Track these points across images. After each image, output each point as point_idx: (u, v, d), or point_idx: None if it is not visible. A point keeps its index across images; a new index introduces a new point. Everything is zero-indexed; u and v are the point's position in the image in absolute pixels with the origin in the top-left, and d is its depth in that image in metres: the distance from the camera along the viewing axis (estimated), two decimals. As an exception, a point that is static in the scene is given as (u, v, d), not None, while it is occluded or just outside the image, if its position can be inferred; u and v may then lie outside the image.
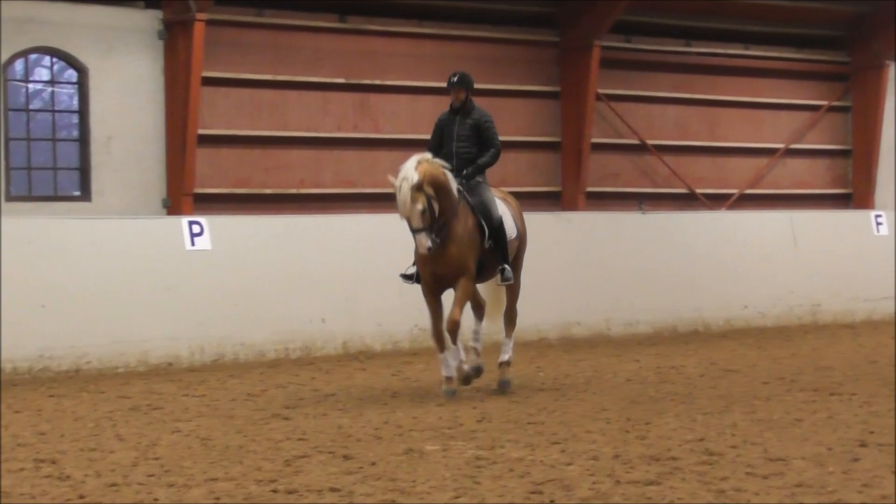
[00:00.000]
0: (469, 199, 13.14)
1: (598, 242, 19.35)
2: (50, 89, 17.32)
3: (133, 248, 15.92)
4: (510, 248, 13.42)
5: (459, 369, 13.09)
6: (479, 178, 13.31)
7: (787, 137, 23.05)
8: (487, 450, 9.96)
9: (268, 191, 18.20)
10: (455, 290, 13.04)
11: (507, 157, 19.67)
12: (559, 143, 20.62)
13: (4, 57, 16.42)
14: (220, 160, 17.82)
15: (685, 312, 19.83)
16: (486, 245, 13.15)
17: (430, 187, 12.65)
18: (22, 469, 9.55)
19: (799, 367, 15.16)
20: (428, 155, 12.95)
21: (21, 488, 8.86)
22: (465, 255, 12.94)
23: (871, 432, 10.43)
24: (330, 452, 9.97)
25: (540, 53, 20.51)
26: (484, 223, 13.11)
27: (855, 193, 23.73)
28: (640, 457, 9.52)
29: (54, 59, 17.09)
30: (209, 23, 17.14)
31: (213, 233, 16.44)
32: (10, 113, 16.65)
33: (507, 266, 13.26)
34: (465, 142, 13.30)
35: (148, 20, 17.28)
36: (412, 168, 12.61)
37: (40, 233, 15.54)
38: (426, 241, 12.59)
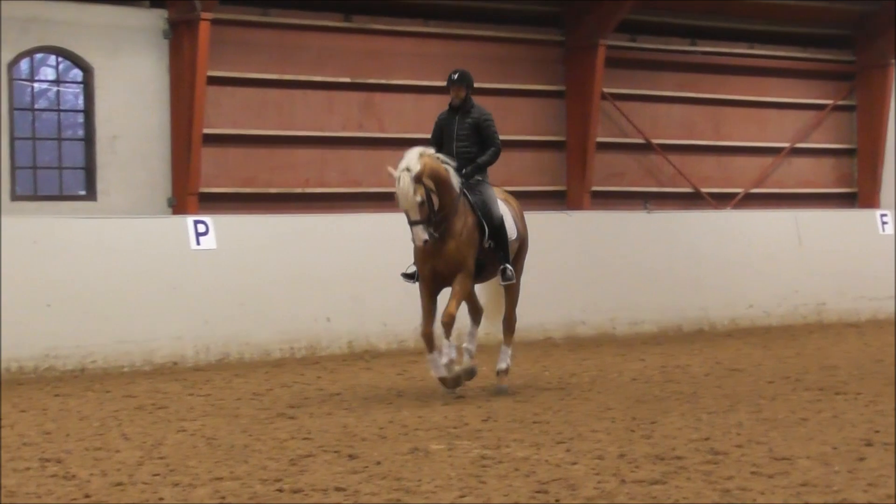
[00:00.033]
0: (470, 197, 13.04)
1: (603, 242, 19.34)
2: (55, 89, 17.34)
3: (138, 247, 15.93)
4: (510, 249, 13.32)
5: (450, 368, 12.90)
6: (479, 177, 13.21)
7: (793, 136, 23.04)
8: (493, 449, 9.96)
9: (273, 190, 18.21)
10: (452, 285, 12.89)
11: (512, 157, 19.75)
12: (564, 143, 20.62)
13: (10, 56, 16.44)
14: (225, 159, 17.83)
15: (690, 312, 19.82)
16: (486, 244, 13.05)
17: (430, 180, 12.56)
18: (27, 468, 9.56)
19: (804, 367, 15.15)
20: (431, 150, 12.88)
21: (27, 487, 8.87)
22: (463, 252, 12.84)
23: (877, 431, 10.43)
24: (335, 452, 9.97)
25: (545, 53, 20.51)
26: (484, 222, 13.01)
27: (860, 192, 23.72)
28: (645, 456, 9.52)
29: (60, 59, 17.11)
30: (214, 22, 17.15)
31: (219, 232, 16.44)
32: (15, 112, 16.66)
33: (508, 265, 13.16)
34: (465, 141, 13.19)
35: (153, 20, 17.29)
36: (413, 160, 12.52)
37: (46, 232, 15.55)
38: (423, 234, 12.48)
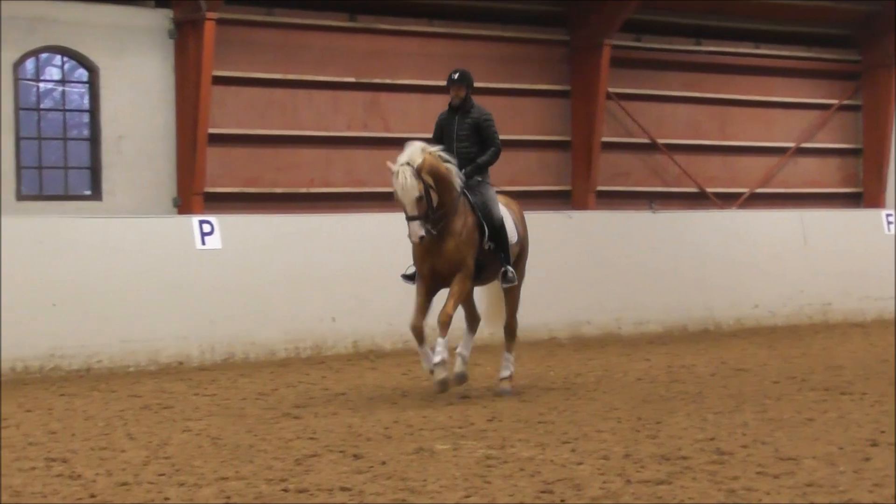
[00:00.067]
0: (470, 197, 12.91)
1: (608, 241, 19.33)
2: (61, 88, 17.35)
3: (144, 247, 15.94)
4: (511, 253, 13.16)
5: (441, 369, 12.54)
6: (478, 178, 13.06)
7: (798, 136, 23.02)
8: (498, 449, 9.95)
9: (278, 190, 18.22)
10: (451, 285, 12.74)
11: (517, 156, 19.76)
12: (569, 142, 20.61)
13: (16, 56, 16.45)
14: (230, 159, 17.84)
15: (696, 311, 19.81)
16: (486, 246, 12.92)
17: (430, 176, 12.45)
18: (33, 468, 9.56)
19: (810, 367, 15.14)
20: (433, 147, 12.72)
21: (32, 487, 8.87)
22: (462, 251, 12.70)
23: (883, 432, 10.41)
24: (340, 451, 9.97)
25: (550, 52, 20.50)
26: (484, 223, 12.88)
27: (866, 192, 23.70)
28: (650, 456, 9.51)
29: (65, 59, 17.12)
30: (219, 22, 17.16)
31: (224, 232, 16.45)
32: (21, 112, 16.67)
33: (509, 267, 13.02)
34: (465, 141, 13.06)
35: (158, 19, 17.30)
36: (412, 154, 12.42)
37: (51, 232, 15.56)
38: (419, 230, 12.34)
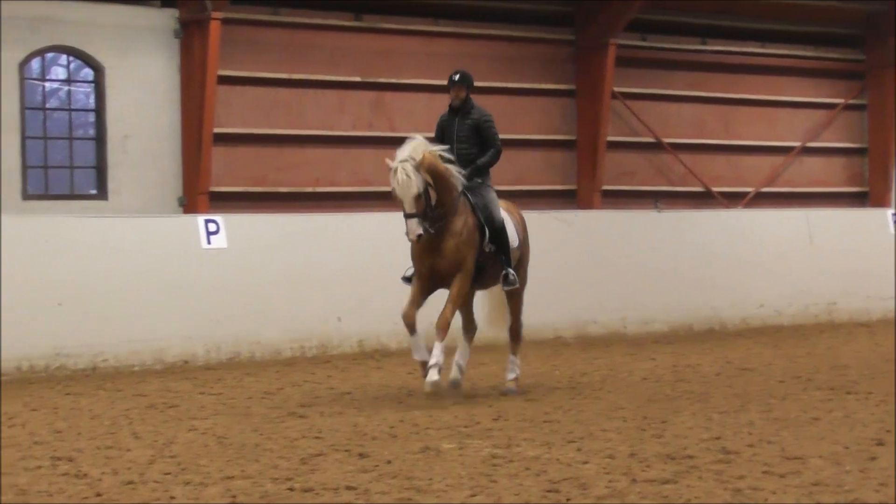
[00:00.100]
0: (471, 198, 12.83)
1: (613, 241, 19.33)
2: (67, 88, 17.37)
3: (149, 246, 15.95)
4: (511, 257, 13.08)
5: (435, 372, 12.37)
6: (479, 180, 12.96)
7: (803, 135, 23.01)
8: (503, 448, 9.96)
9: (283, 189, 18.23)
10: (450, 288, 12.65)
11: (522, 156, 19.76)
12: (575, 142, 20.61)
13: (21, 56, 16.46)
14: (235, 159, 17.85)
15: (701, 311, 19.80)
16: (487, 248, 12.83)
17: (428, 174, 12.36)
18: (39, 467, 9.57)
19: (815, 366, 15.13)
20: (433, 146, 12.60)
21: (38, 486, 8.88)
22: (462, 251, 12.59)
23: (888, 431, 10.41)
24: (346, 451, 9.97)
25: (556, 52, 20.50)
26: (485, 224, 12.80)
27: (871, 192, 23.68)
28: (656, 455, 9.51)
29: (71, 58, 17.14)
30: (225, 21, 17.17)
31: (229, 231, 16.46)
32: (26, 111, 16.69)
33: (510, 270, 12.93)
34: (466, 143, 12.98)
35: (164, 19, 17.32)
36: (411, 151, 12.33)
37: (57, 231, 15.57)
38: (417, 228, 12.23)
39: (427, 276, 12.70)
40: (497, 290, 13.41)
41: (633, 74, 21.02)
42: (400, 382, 14.19)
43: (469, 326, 13.46)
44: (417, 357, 12.65)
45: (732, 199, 22.05)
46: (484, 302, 13.79)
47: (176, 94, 17.35)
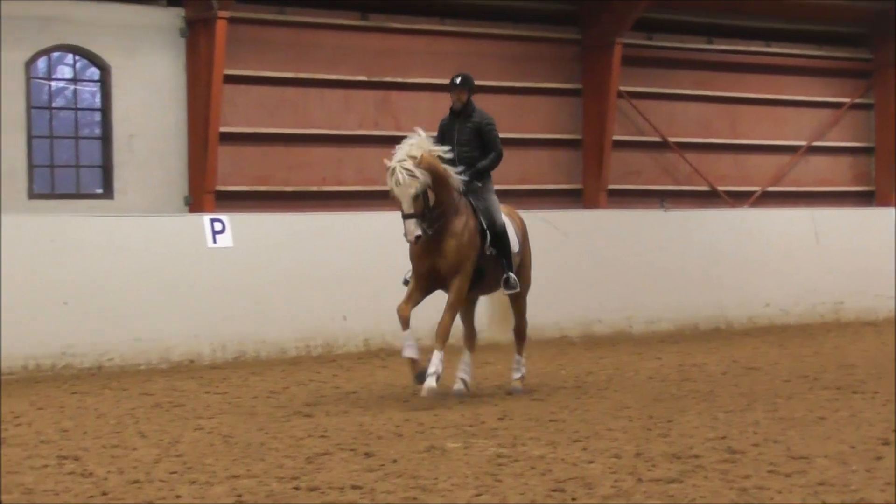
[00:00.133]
0: (472, 201, 12.77)
1: (619, 240, 19.32)
2: (73, 87, 17.38)
3: (155, 245, 15.96)
4: (512, 262, 13.01)
5: (433, 380, 12.28)
6: (479, 183, 12.88)
7: (810, 135, 22.99)
8: (509, 447, 9.95)
9: (289, 188, 18.23)
10: (448, 291, 12.57)
11: (528, 155, 19.76)
12: (581, 141, 20.60)
13: (28, 55, 16.48)
14: (241, 158, 17.86)
15: (707, 310, 19.80)
16: (488, 251, 12.77)
17: (427, 174, 12.26)
18: (45, 465, 9.58)
19: (821, 365, 15.12)
20: (437, 148, 12.51)
21: (44, 485, 8.89)
22: (462, 252, 12.50)
23: (894, 430, 10.39)
24: (351, 450, 9.97)
25: (562, 51, 20.49)
26: (486, 227, 12.73)
27: (878, 191, 23.67)
28: (662, 455, 9.51)
29: (77, 58, 17.15)
30: (231, 20, 17.17)
31: (235, 230, 16.46)
32: (33, 111, 16.70)
33: (511, 274, 12.86)
34: (467, 146, 12.90)
35: (170, 18, 17.32)
36: (409, 151, 12.26)
37: (63, 230, 15.58)
38: (415, 229, 12.16)
39: (426, 276, 12.65)
40: (499, 296, 13.37)
41: (639, 73, 21.01)
42: (406, 382, 14.16)
43: (471, 336, 13.39)
44: (406, 354, 12.55)
45: (738, 199, 22.03)
46: (484, 311, 13.76)
47: (182, 94, 17.35)
